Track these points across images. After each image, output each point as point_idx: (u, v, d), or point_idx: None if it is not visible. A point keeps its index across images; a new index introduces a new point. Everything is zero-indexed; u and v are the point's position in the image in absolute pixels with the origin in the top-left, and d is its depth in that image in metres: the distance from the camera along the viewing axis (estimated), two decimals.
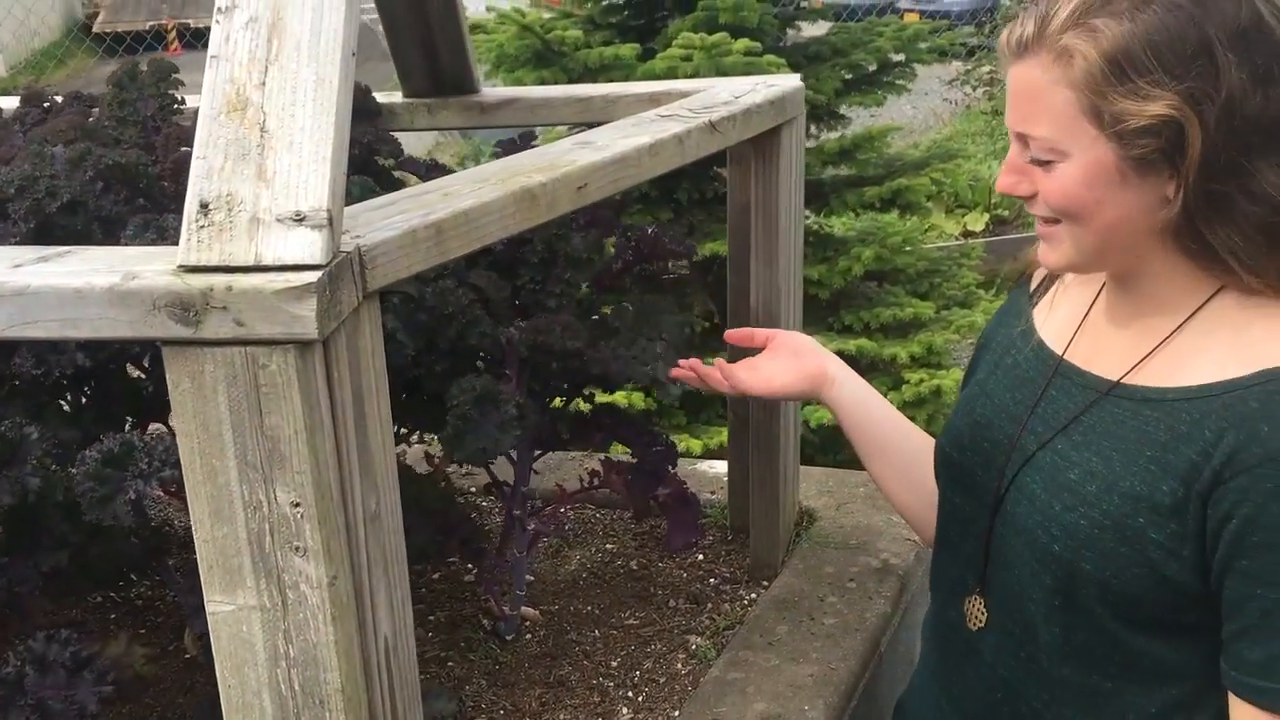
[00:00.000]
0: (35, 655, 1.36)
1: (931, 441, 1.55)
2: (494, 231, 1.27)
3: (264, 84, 1.10)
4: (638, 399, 3.70)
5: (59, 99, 1.91)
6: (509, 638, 1.88)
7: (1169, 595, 1.12)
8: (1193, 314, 1.15)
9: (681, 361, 1.65)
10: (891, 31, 4.57)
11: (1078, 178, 1.10)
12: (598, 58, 4.13)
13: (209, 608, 1.10)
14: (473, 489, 2.30)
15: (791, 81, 1.89)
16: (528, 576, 1.97)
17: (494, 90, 2.07)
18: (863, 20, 4.92)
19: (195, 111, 1.55)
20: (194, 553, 2.00)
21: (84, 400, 1.69)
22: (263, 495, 1.05)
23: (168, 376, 1.03)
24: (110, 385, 1.69)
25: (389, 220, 1.17)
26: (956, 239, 6.71)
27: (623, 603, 1.99)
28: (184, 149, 1.43)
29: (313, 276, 1.00)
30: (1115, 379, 1.20)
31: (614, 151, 1.46)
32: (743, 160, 1.92)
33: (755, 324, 1.96)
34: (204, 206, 1.05)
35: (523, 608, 1.91)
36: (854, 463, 1.72)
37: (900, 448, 1.54)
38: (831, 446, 4.15)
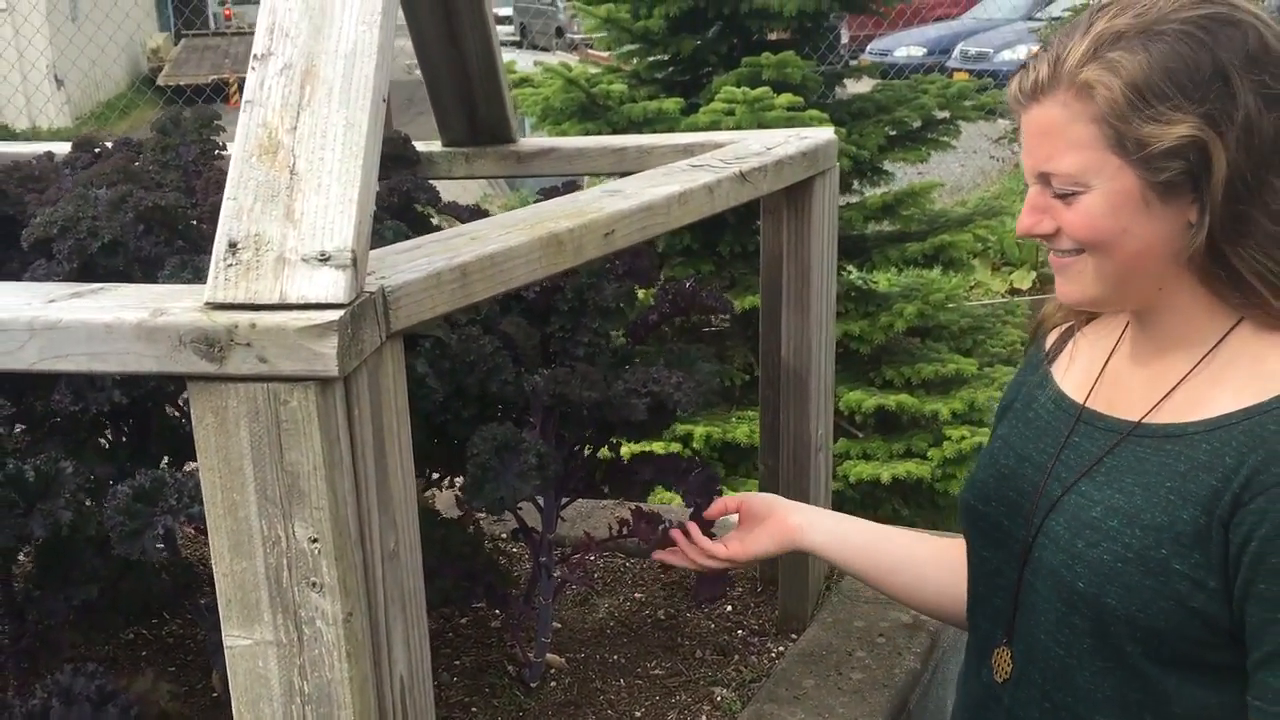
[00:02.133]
0: (61, 688, 1.37)
1: (929, 538, 1.57)
2: (520, 275, 1.29)
3: (295, 128, 1.13)
4: (675, 446, 3.72)
5: (109, 145, 1.97)
6: (533, 685, 1.87)
7: (1198, 630, 1.11)
8: (1213, 348, 1.17)
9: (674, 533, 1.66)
10: (936, 89, 4.59)
11: (1103, 207, 1.12)
12: (641, 111, 4.18)
13: (226, 642, 1.11)
14: (503, 535, 2.30)
15: (824, 134, 1.90)
16: (554, 624, 1.96)
17: (531, 140, 2.11)
18: (909, 78, 4.94)
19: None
20: None
21: (122, 438, 1.72)
22: (281, 530, 1.07)
23: (192, 411, 1.05)
24: (148, 423, 1.72)
25: (414, 262, 1.19)
26: (1003, 296, 6.67)
27: (649, 652, 1.98)
28: (220, 195, 1.46)
29: (335, 315, 1.02)
30: (1136, 420, 1.21)
31: (642, 200, 1.47)
32: (776, 211, 1.93)
33: (787, 375, 1.96)
34: (232, 246, 1.07)
35: (548, 655, 1.91)
36: (892, 519, 1.70)
37: (903, 558, 1.53)
38: (871, 503, 4.12)
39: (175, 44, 17.78)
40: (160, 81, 14.03)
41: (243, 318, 1.02)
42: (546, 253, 1.32)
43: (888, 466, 4.10)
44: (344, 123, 1.13)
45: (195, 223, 1.44)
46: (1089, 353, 1.34)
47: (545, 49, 18.68)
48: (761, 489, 2.11)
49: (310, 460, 1.04)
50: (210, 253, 1.34)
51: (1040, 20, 12.81)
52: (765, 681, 1.85)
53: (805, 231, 1.88)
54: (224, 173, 1.56)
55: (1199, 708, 1.15)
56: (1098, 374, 1.30)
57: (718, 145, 1.90)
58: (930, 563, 1.51)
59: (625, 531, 1.91)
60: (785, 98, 4.01)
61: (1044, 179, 1.16)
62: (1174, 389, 1.19)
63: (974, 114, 4.69)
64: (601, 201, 1.46)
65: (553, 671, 1.92)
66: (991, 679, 1.32)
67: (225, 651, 1.11)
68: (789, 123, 3.86)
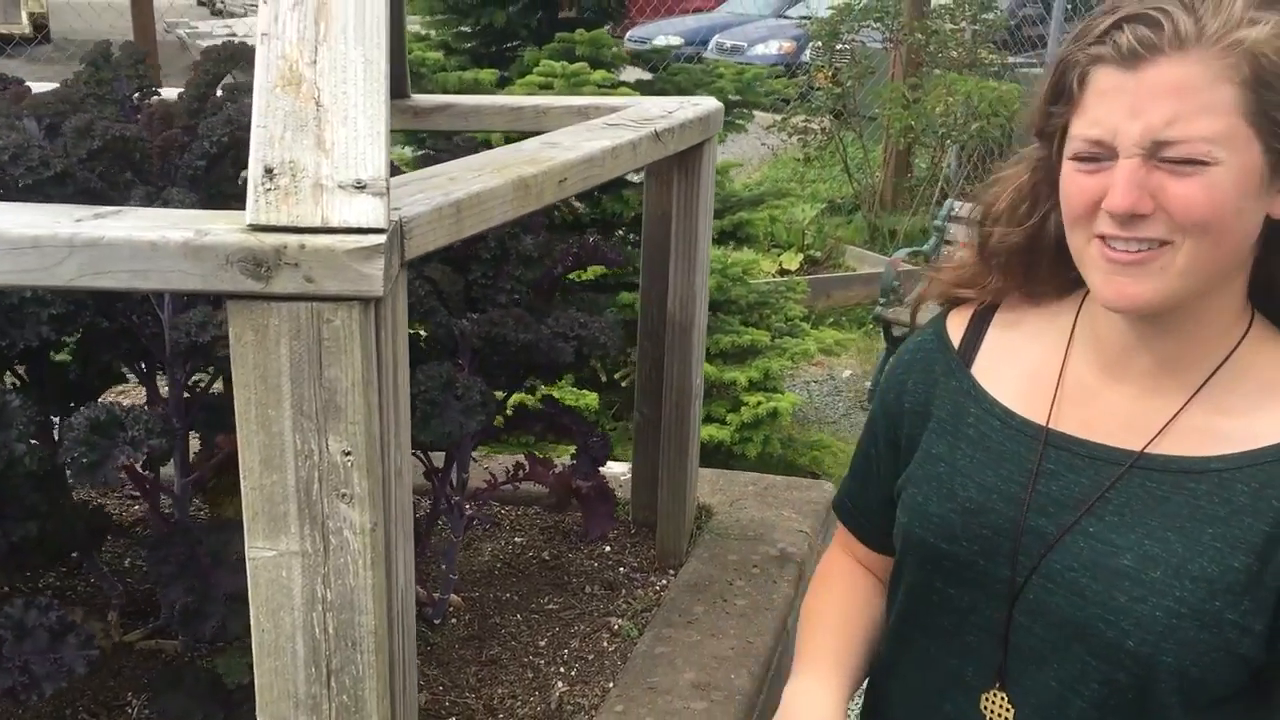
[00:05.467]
0: (14, 621, 1.36)
1: (861, 608, 1.37)
2: (498, 215, 1.37)
3: (315, 62, 1.17)
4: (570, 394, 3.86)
5: None
6: (437, 622, 1.94)
7: (1239, 673, 1.09)
8: (1219, 366, 1.11)
9: None
10: (732, 73, 4.83)
11: (1229, 183, 1.01)
12: (457, 81, 4.22)
13: (249, 554, 1.15)
14: None
15: (712, 102, 2.04)
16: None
17: (426, 96, 2.15)
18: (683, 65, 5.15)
19: (177, 95, 1.59)
20: (120, 539, 1.97)
21: (23, 380, 1.68)
22: (315, 444, 1.12)
23: (230, 330, 1.09)
24: (40, 369, 1.68)
25: (413, 197, 1.25)
26: (775, 275, 7.03)
27: (540, 590, 2.07)
28: (172, 130, 1.46)
29: (380, 239, 1.08)
30: (1135, 449, 1.13)
31: (584, 152, 1.57)
32: (663, 174, 2.06)
33: (672, 327, 2.10)
34: (269, 171, 1.11)
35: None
36: (740, 466, 1.80)
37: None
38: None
39: None
40: None
41: (291, 239, 1.07)
42: (518, 195, 1.40)
43: None
44: (362, 59, 1.18)
45: (147, 156, 1.43)
46: (1019, 355, 1.23)
47: (237, 14, 17.11)
48: (637, 437, 2.24)
49: (349, 376, 1.10)
50: (168, 187, 1.36)
51: (790, 19, 13.47)
52: (657, 610, 1.98)
53: (695, 191, 2.02)
54: (169, 108, 1.56)
55: None
56: (1054, 388, 1.19)
57: (612, 109, 2.00)
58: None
59: (521, 474, 2.01)
60: (600, 74, 4.14)
61: (1155, 148, 1.01)
62: (1178, 414, 1.12)
63: (766, 100, 4.97)
64: (548, 152, 1.54)
65: (452, 609, 1.99)
66: None
67: (247, 564, 1.15)
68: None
